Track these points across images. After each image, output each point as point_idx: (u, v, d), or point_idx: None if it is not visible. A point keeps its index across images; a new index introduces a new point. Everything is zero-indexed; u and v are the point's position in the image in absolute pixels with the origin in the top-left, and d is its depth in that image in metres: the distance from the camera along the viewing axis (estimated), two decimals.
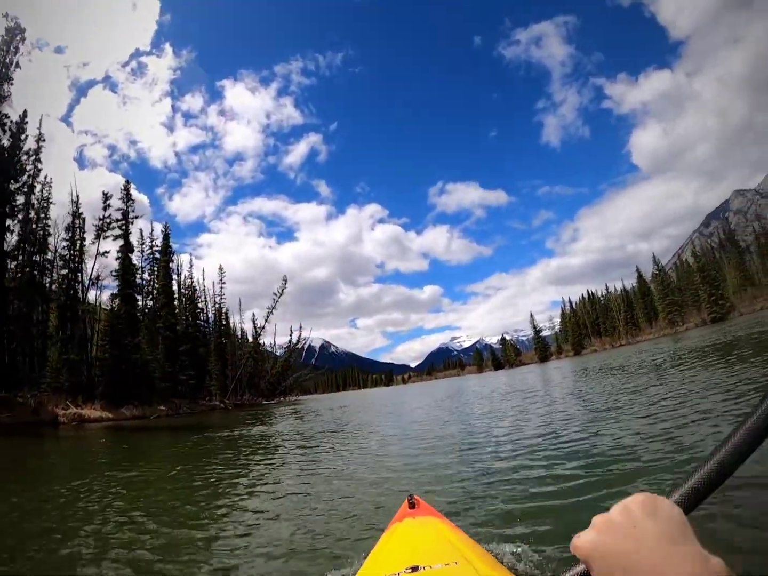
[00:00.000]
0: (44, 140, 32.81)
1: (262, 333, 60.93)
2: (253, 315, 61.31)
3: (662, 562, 0.46)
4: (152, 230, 44.05)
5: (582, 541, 0.55)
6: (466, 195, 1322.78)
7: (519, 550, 2.73)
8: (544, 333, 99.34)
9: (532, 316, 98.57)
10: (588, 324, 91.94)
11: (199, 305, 51.55)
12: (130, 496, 5.82)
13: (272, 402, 54.57)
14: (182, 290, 48.37)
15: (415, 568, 1.16)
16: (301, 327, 72.90)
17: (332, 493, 5.13)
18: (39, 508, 5.36)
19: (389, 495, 4.69)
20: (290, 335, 69.28)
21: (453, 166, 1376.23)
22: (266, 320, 58.95)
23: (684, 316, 67.92)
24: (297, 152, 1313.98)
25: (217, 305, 56.77)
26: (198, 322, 49.15)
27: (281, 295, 59.55)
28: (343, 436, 11.22)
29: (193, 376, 40.08)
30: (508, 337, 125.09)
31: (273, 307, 58.54)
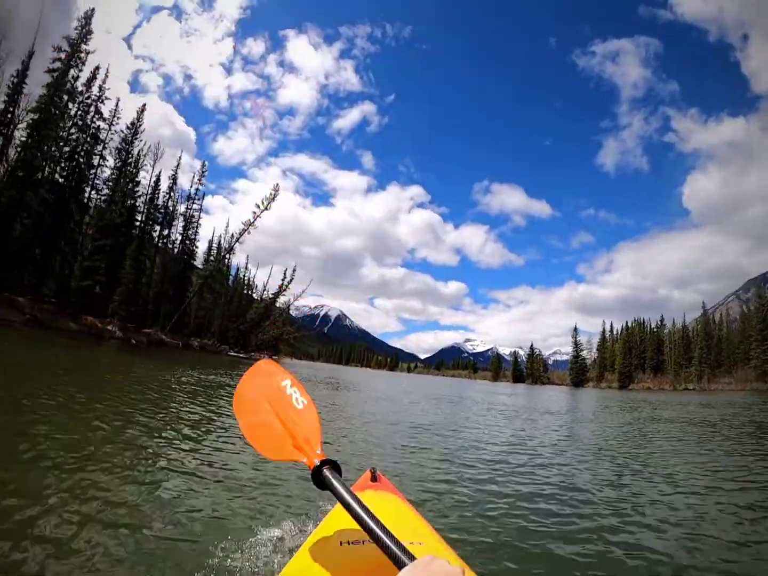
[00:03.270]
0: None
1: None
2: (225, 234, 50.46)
3: None
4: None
5: None
6: (509, 198, 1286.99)
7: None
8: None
9: (576, 331, 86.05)
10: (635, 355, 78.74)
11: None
12: None
13: (226, 354, 43.86)
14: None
15: None
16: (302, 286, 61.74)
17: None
18: None
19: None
20: (283, 278, 57.38)
21: (501, 167, 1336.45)
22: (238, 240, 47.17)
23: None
24: (349, 118, 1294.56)
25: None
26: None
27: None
28: None
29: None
30: (521, 352, 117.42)
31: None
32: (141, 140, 39.16)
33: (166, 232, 44.30)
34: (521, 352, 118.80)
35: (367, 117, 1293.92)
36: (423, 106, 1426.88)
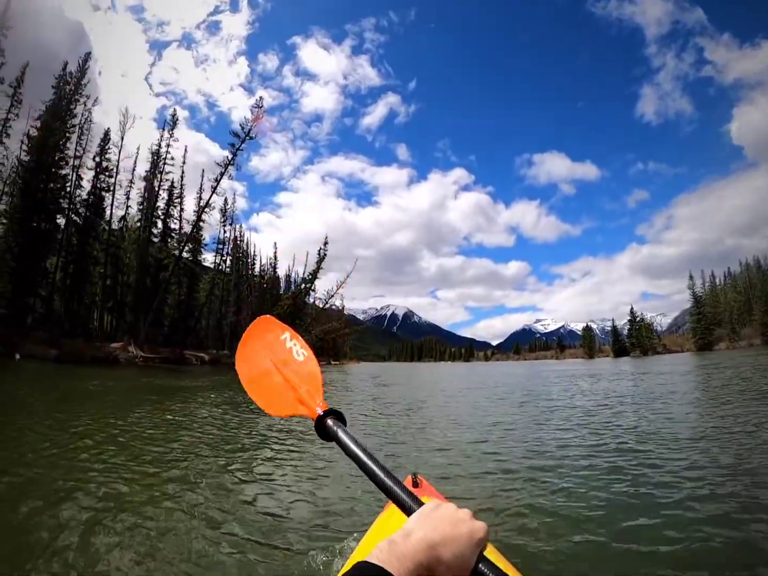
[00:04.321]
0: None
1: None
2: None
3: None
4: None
5: None
6: (553, 167, 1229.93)
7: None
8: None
9: (692, 280, 71.33)
10: None
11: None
12: None
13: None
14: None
15: None
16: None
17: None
18: None
19: None
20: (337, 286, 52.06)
21: (538, 137, 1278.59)
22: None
23: None
24: (375, 114, 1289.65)
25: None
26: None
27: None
28: None
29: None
30: (594, 326, 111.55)
31: None
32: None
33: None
34: (594, 326, 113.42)
35: (393, 108, 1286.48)
36: (446, 87, 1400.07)
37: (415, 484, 1.99)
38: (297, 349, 1.27)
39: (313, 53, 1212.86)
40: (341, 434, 0.97)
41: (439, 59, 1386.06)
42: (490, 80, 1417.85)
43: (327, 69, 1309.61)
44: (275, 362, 1.27)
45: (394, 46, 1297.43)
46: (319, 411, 1.05)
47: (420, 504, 0.74)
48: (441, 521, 0.63)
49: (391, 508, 1.63)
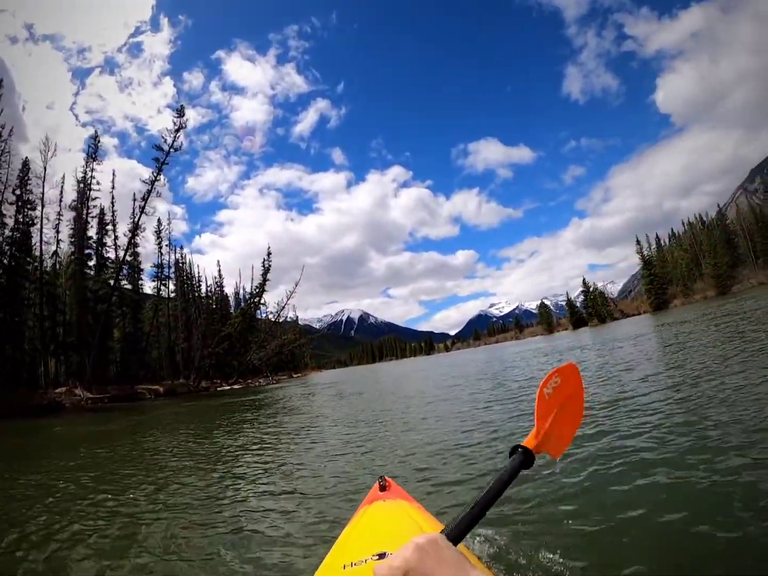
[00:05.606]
0: None
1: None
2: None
3: None
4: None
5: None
6: (489, 153, 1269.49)
7: (492, 542, 2.56)
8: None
9: (639, 244, 73.27)
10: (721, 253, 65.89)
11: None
12: None
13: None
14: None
15: (382, 555, 1.14)
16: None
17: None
18: None
19: None
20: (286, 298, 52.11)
21: (470, 125, 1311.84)
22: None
23: None
24: (307, 121, 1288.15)
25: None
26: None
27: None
28: None
29: None
30: (548, 302, 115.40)
31: None
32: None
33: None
34: (548, 302, 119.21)
35: (323, 113, 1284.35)
36: (375, 86, 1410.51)
37: (383, 488, 1.99)
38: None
39: (238, 66, 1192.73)
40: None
41: (366, 59, 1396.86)
42: (418, 73, 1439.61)
43: (254, 81, 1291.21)
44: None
45: (319, 50, 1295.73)
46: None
47: None
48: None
49: (360, 515, 1.75)
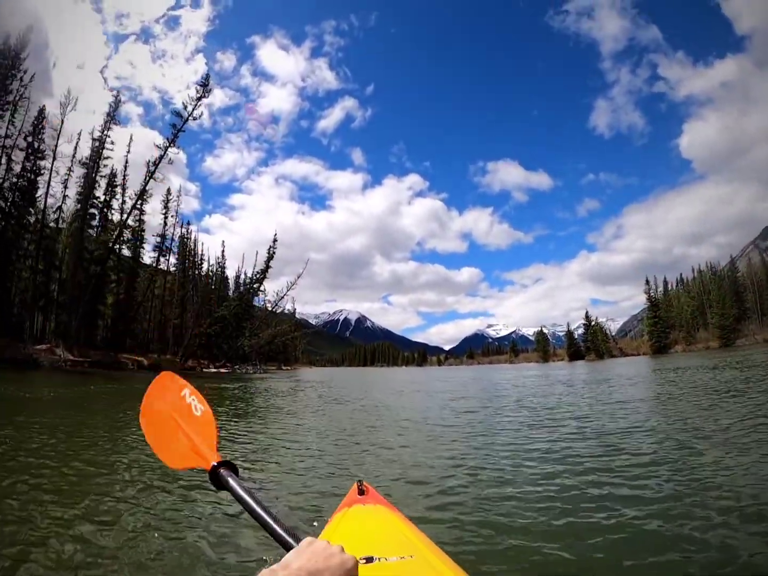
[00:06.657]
0: None
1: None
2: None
3: None
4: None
5: None
6: (507, 175, 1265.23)
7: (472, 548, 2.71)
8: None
9: (648, 284, 72.57)
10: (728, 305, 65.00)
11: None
12: None
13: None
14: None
15: (369, 559, 1.16)
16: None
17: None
18: None
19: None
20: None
21: (492, 144, 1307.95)
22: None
23: None
24: (332, 117, 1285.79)
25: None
26: None
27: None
28: None
29: None
30: (546, 331, 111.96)
31: None
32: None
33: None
34: (545, 331, 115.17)
35: (350, 113, 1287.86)
36: (403, 92, 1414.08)
37: (361, 492, 1.94)
38: (195, 404, 1.33)
39: (272, 54, 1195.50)
40: (232, 482, 1.06)
41: (397, 65, 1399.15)
42: (448, 87, 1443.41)
43: (285, 70, 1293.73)
44: (177, 418, 1.30)
45: (353, 50, 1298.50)
46: (214, 462, 1.12)
47: (298, 541, 0.83)
48: (315, 554, 0.71)
49: (341, 516, 1.72)
